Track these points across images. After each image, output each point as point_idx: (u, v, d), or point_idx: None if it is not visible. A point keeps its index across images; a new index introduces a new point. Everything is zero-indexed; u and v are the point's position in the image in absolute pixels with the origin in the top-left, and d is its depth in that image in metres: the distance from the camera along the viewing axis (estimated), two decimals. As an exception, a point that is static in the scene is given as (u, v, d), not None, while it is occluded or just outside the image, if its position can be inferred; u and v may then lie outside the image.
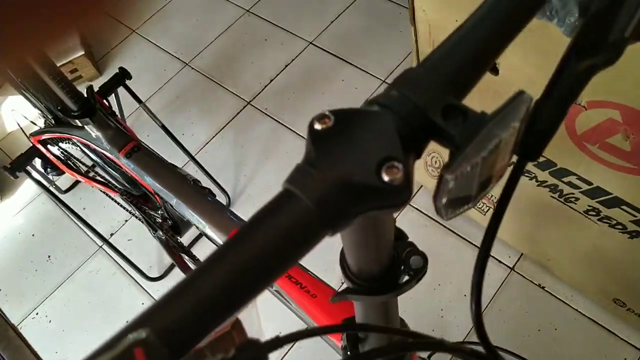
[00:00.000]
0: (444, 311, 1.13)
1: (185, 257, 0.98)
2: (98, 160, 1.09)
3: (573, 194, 0.90)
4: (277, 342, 0.23)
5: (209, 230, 0.70)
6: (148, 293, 1.26)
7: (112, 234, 1.36)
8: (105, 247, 1.33)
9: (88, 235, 1.36)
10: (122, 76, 1.09)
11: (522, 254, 1.16)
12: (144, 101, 1.56)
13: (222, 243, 0.70)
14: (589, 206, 0.89)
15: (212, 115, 1.51)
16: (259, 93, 1.53)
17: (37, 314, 1.27)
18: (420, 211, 1.24)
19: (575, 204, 0.91)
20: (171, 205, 0.74)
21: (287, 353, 1.14)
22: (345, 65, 1.52)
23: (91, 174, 1.02)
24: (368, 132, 0.20)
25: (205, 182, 1.33)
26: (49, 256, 1.36)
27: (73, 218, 1.13)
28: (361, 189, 0.20)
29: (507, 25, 0.23)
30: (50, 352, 1.22)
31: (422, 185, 1.28)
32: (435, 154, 1.15)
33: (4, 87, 1.62)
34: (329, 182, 0.19)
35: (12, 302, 1.30)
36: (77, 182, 1.44)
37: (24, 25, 0.16)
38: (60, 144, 1.05)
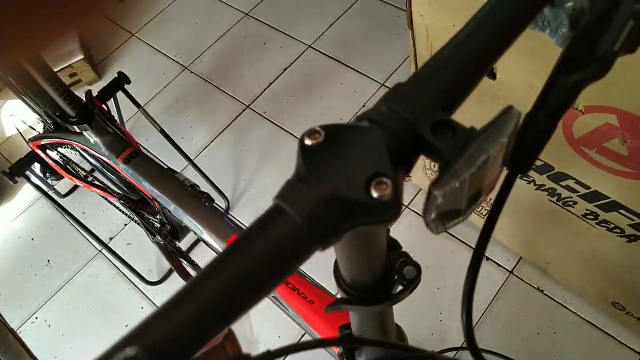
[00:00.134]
0: (442, 314, 1.13)
1: (184, 262, 0.98)
2: (97, 164, 1.09)
3: (571, 197, 0.90)
4: (268, 356, 0.23)
5: (206, 236, 0.70)
6: (147, 297, 1.26)
7: (111, 238, 1.36)
8: (104, 251, 1.33)
9: (87, 240, 1.36)
10: (121, 81, 1.09)
11: (520, 257, 1.16)
12: (143, 105, 1.56)
13: (219, 248, 0.70)
14: (587, 210, 0.89)
15: (211, 119, 1.51)
16: (258, 96, 1.53)
17: (36, 318, 1.27)
18: (419, 214, 1.24)
19: (574, 207, 0.91)
20: (169, 211, 0.75)
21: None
22: (344, 68, 1.52)
23: (90, 179, 1.03)
24: (357, 147, 0.21)
25: (205, 186, 1.34)
26: (48, 260, 1.36)
27: (72, 222, 1.13)
28: (350, 205, 0.20)
29: (497, 41, 0.23)
30: (50, 357, 1.22)
31: (420, 189, 1.28)
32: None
33: (3, 92, 1.62)
34: (318, 198, 0.20)
35: (12, 307, 1.30)
36: (76, 186, 1.44)
37: (24, 26, 0.16)
38: (59, 148, 1.05)
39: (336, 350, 0.56)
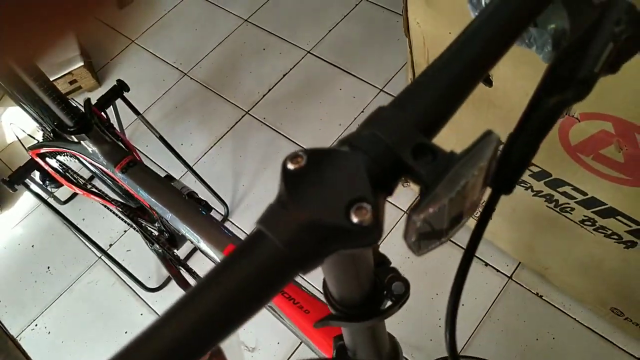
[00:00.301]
0: (441, 321, 1.13)
1: (182, 270, 0.98)
2: (96, 172, 1.10)
3: (568, 204, 0.90)
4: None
5: (203, 245, 0.70)
6: (147, 304, 1.27)
7: (111, 245, 1.37)
8: (104, 258, 1.34)
9: (87, 246, 1.37)
10: (120, 88, 1.10)
11: (519, 262, 1.16)
12: (143, 111, 1.57)
13: (216, 258, 0.70)
14: (585, 216, 0.89)
15: (210, 125, 1.52)
16: (258, 102, 1.53)
17: (36, 325, 1.28)
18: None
19: (571, 214, 0.91)
20: (167, 220, 0.75)
21: (285, 364, 1.14)
22: (343, 74, 1.53)
23: (89, 187, 1.03)
24: (339, 172, 0.21)
25: (204, 193, 1.34)
26: (48, 267, 1.36)
27: (72, 229, 1.14)
28: (331, 230, 0.20)
29: (478, 64, 0.24)
30: (50, 364, 1.22)
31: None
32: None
33: (3, 99, 1.63)
34: (299, 223, 0.20)
35: (12, 313, 1.31)
36: (76, 194, 1.45)
37: (21, 27, 0.16)
38: (59, 156, 1.05)
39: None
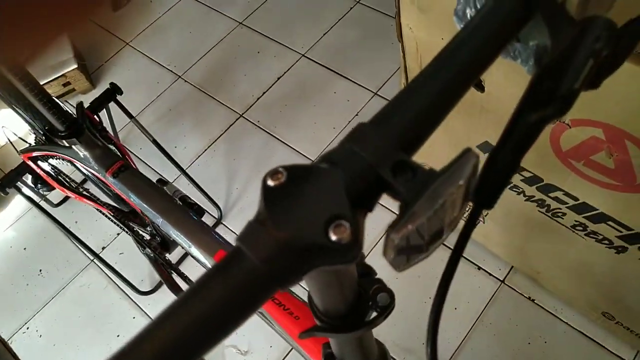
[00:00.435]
0: (434, 325, 1.13)
1: (174, 275, 0.98)
2: (88, 175, 1.09)
3: (560, 209, 0.90)
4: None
5: (194, 251, 0.70)
6: (139, 307, 1.26)
7: (103, 248, 1.36)
8: (96, 260, 1.33)
9: (80, 249, 1.36)
10: (113, 91, 1.10)
11: (512, 266, 1.16)
12: (137, 114, 1.57)
13: (207, 263, 0.70)
14: (576, 221, 0.89)
15: (204, 128, 1.52)
16: (252, 105, 1.53)
17: (27, 328, 1.27)
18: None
19: (563, 218, 0.91)
20: (158, 224, 0.75)
21: (277, 368, 1.14)
22: (337, 77, 1.53)
23: (81, 190, 1.02)
24: (318, 189, 0.21)
25: (197, 196, 1.34)
26: (40, 270, 1.35)
27: (64, 232, 1.13)
28: (309, 248, 0.20)
29: (459, 81, 0.24)
30: (41, 367, 1.22)
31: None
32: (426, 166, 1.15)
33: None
34: (277, 241, 0.20)
35: (3, 317, 1.30)
36: (69, 196, 1.44)
37: (19, 27, 0.16)
38: (51, 160, 1.05)
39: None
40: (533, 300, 1.12)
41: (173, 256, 1.23)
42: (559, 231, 0.94)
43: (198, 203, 1.25)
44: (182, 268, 1.23)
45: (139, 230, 0.93)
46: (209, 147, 1.48)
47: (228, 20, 1.73)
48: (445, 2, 0.76)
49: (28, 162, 1.02)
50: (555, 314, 1.10)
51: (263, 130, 1.48)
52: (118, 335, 1.23)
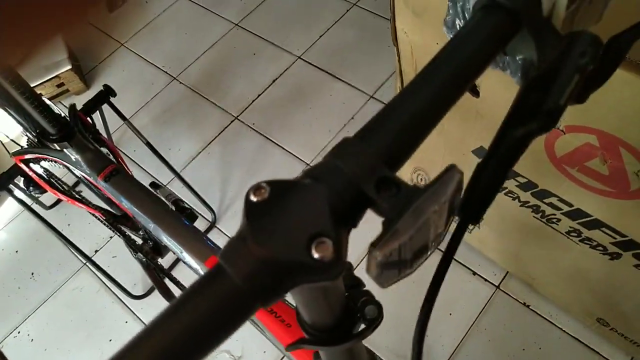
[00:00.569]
0: (429, 330, 1.13)
1: (167, 280, 0.97)
2: (81, 177, 1.08)
3: (554, 214, 0.90)
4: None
5: (185, 256, 0.69)
6: (132, 311, 1.25)
7: (96, 251, 1.35)
8: (89, 264, 1.32)
9: (72, 252, 1.35)
10: (106, 93, 1.09)
11: (507, 272, 1.16)
12: (131, 115, 1.56)
13: (199, 269, 0.69)
14: (571, 227, 0.89)
15: (199, 130, 1.51)
16: (247, 108, 1.53)
17: (19, 332, 1.26)
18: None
19: (557, 224, 0.91)
20: (149, 229, 0.74)
21: (271, 373, 1.13)
22: (333, 80, 1.52)
23: (73, 193, 1.02)
24: (301, 206, 0.20)
25: (191, 199, 1.33)
26: (32, 273, 1.34)
27: (56, 236, 1.12)
28: (291, 265, 0.20)
29: (444, 97, 0.23)
30: (32, 372, 1.21)
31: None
32: (421, 171, 1.15)
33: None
34: (258, 259, 0.19)
35: (-6, 320, 1.29)
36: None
37: (12, 28, 0.15)
38: (43, 162, 1.04)
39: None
40: (528, 306, 1.12)
41: (165, 261, 1.22)
42: (553, 237, 0.94)
43: (191, 207, 1.24)
44: (174, 273, 1.23)
45: (131, 235, 0.92)
46: (203, 149, 1.47)
47: (224, 22, 1.73)
48: (440, 6, 0.76)
49: (20, 165, 1.02)
50: (550, 320, 1.09)
51: (258, 132, 1.47)
52: (110, 340, 1.22)
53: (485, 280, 1.16)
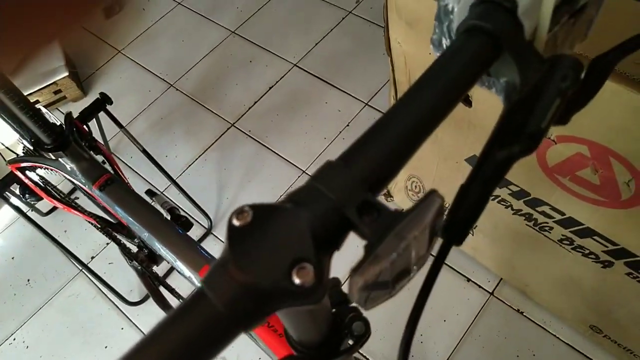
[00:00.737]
0: (423, 337, 1.13)
1: (162, 288, 0.97)
2: (77, 185, 1.09)
3: (547, 223, 0.91)
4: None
5: (179, 265, 0.69)
6: (128, 318, 1.25)
7: (93, 257, 1.35)
8: (85, 270, 1.32)
9: (69, 259, 1.35)
10: (103, 101, 1.09)
11: (501, 279, 1.17)
12: (128, 122, 1.57)
13: (194, 278, 0.69)
14: (563, 235, 0.90)
15: (195, 137, 1.51)
16: (243, 115, 1.53)
17: (14, 339, 1.26)
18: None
19: (550, 232, 0.92)
20: (144, 238, 0.74)
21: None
22: (329, 87, 1.53)
23: (69, 201, 1.02)
24: (282, 231, 0.21)
25: (187, 206, 1.33)
26: (28, 280, 1.34)
27: (52, 243, 1.12)
28: (272, 291, 0.20)
29: (426, 120, 0.24)
30: (27, 379, 1.20)
31: (403, 209, 1.29)
32: (415, 179, 1.16)
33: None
34: (239, 284, 0.20)
35: (-10, 327, 1.29)
36: (58, 204, 1.43)
37: (11, 30, 0.16)
38: (39, 170, 1.04)
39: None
40: (522, 313, 1.12)
41: (160, 268, 1.22)
42: (546, 245, 0.94)
43: (187, 215, 1.24)
44: (169, 280, 1.23)
45: (127, 243, 0.92)
46: (199, 156, 1.48)
47: (220, 29, 1.73)
48: (433, 18, 0.77)
49: (16, 173, 1.02)
50: (544, 327, 1.10)
51: (254, 139, 1.48)
52: (106, 347, 1.22)
53: (479, 287, 1.16)
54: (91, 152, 0.91)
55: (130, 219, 0.73)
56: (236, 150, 1.47)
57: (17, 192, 1.18)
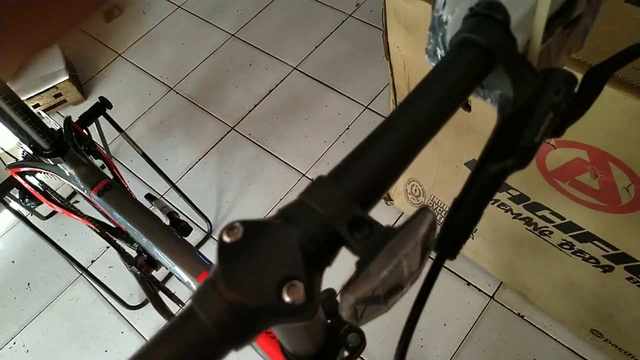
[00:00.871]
0: (423, 340, 1.13)
1: (161, 293, 0.97)
2: (77, 189, 1.09)
3: (547, 227, 0.90)
4: None
5: (177, 270, 0.69)
6: (128, 322, 1.25)
7: (93, 261, 1.35)
8: (85, 274, 1.32)
9: (69, 262, 1.35)
10: (102, 105, 1.09)
11: (501, 282, 1.16)
12: (128, 125, 1.57)
13: (192, 284, 0.69)
14: (563, 240, 0.89)
15: (195, 141, 1.51)
16: (243, 118, 1.53)
17: (14, 343, 1.26)
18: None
19: (550, 237, 0.91)
20: (142, 244, 0.74)
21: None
22: (328, 90, 1.53)
23: (68, 205, 1.02)
24: (273, 247, 0.21)
25: (187, 210, 1.33)
26: (28, 284, 1.34)
27: (52, 247, 1.12)
28: (262, 310, 0.20)
29: (418, 135, 0.23)
30: (27, 383, 1.20)
31: (403, 212, 1.29)
32: (415, 182, 1.15)
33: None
34: (229, 303, 0.20)
35: (-10, 331, 1.29)
36: (58, 208, 1.43)
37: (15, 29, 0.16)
38: (38, 175, 1.04)
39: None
40: (522, 317, 1.12)
41: (160, 273, 1.22)
42: (546, 249, 0.94)
43: (186, 219, 1.24)
44: (169, 285, 1.23)
45: (126, 247, 0.92)
46: (199, 159, 1.48)
47: (220, 32, 1.74)
48: (431, 23, 0.76)
49: (15, 177, 1.02)
50: (544, 331, 1.10)
51: (254, 143, 1.48)
52: (106, 350, 1.22)
53: (480, 290, 1.16)
54: (90, 157, 0.91)
55: (129, 224, 0.73)
56: (236, 154, 1.47)
57: (17, 196, 1.18)
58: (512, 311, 1.13)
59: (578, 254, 0.89)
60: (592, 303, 0.97)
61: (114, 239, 0.91)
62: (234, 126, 1.52)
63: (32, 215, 1.36)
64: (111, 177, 0.91)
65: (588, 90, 0.26)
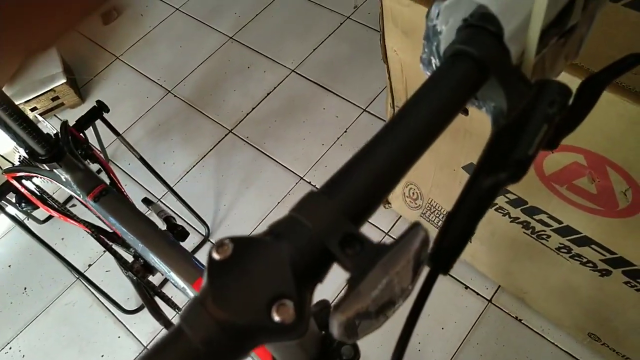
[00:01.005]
0: (421, 344, 1.13)
1: (157, 298, 0.97)
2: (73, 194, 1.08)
3: (544, 231, 0.90)
4: None
5: (173, 276, 0.69)
6: (125, 326, 1.25)
7: (90, 265, 1.35)
8: (82, 279, 1.32)
9: (66, 267, 1.34)
10: (99, 109, 1.09)
11: (499, 286, 1.16)
12: (126, 128, 1.56)
13: (188, 290, 0.69)
14: (561, 244, 0.89)
15: (193, 144, 1.51)
16: (241, 121, 1.53)
17: (10, 348, 1.25)
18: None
19: (547, 240, 0.91)
20: (138, 250, 0.74)
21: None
22: (326, 93, 1.53)
23: (65, 210, 1.01)
24: (262, 265, 0.20)
25: (184, 213, 1.33)
26: (25, 288, 1.34)
27: (48, 251, 1.12)
28: (251, 329, 0.20)
29: (411, 149, 0.23)
30: (24, 388, 1.20)
31: (400, 216, 1.29)
32: (413, 186, 1.15)
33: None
34: (218, 322, 0.19)
35: (-14, 336, 1.28)
36: (55, 212, 1.43)
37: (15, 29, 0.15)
38: (35, 179, 1.04)
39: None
40: (520, 320, 1.12)
41: (156, 278, 1.22)
42: (544, 253, 0.94)
43: (183, 223, 1.24)
44: (165, 290, 1.22)
45: (123, 252, 0.92)
46: (197, 162, 1.47)
47: (218, 35, 1.73)
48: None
49: (12, 181, 1.01)
50: (542, 335, 1.09)
51: (252, 146, 1.47)
52: (102, 355, 1.22)
53: (477, 294, 1.16)
54: (87, 161, 0.91)
55: (124, 230, 0.73)
56: (234, 157, 1.46)
57: (14, 200, 1.18)
58: (509, 315, 1.13)
59: (575, 258, 0.89)
60: (590, 307, 0.97)
61: (110, 244, 0.91)
62: (232, 129, 1.52)
63: (28, 219, 1.36)
64: (108, 181, 0.91)
65: (583, 101, 0.26)
